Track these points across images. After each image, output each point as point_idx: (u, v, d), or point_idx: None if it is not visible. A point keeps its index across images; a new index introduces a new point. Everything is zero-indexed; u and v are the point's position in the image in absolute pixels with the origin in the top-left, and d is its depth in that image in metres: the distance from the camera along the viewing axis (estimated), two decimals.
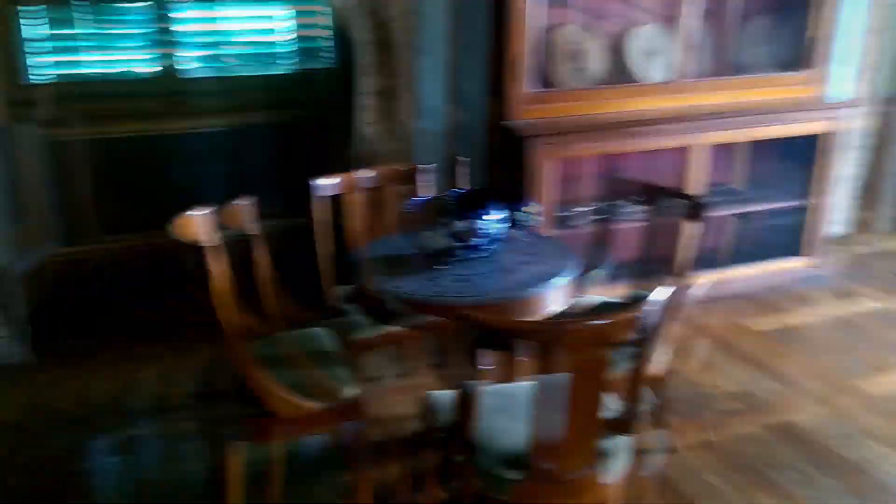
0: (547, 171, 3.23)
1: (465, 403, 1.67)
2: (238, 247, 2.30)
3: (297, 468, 2.58)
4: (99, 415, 2.91)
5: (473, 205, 2.03)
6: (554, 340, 1.50)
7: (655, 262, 2.50)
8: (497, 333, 1.52)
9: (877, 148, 4.67)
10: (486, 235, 2.06)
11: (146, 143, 3.89)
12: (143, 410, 2.95)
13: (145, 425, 2.86)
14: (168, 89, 3.77)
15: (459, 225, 2.02)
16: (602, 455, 1.75)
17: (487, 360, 2.27)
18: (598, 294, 2.81)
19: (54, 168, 3.64)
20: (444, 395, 1.98)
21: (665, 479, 2.47)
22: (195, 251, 1.88)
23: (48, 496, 2.45)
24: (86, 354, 3.34)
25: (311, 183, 2.70)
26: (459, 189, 2.25)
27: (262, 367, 2.03)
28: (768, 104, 3.69)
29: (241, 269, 2.31)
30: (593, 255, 2.67)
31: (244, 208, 2.37)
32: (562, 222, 3.47)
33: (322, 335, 2.49)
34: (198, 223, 2.22)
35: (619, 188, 2.67)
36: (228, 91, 3.86)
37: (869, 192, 4.76)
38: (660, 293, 1.62)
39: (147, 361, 3.27)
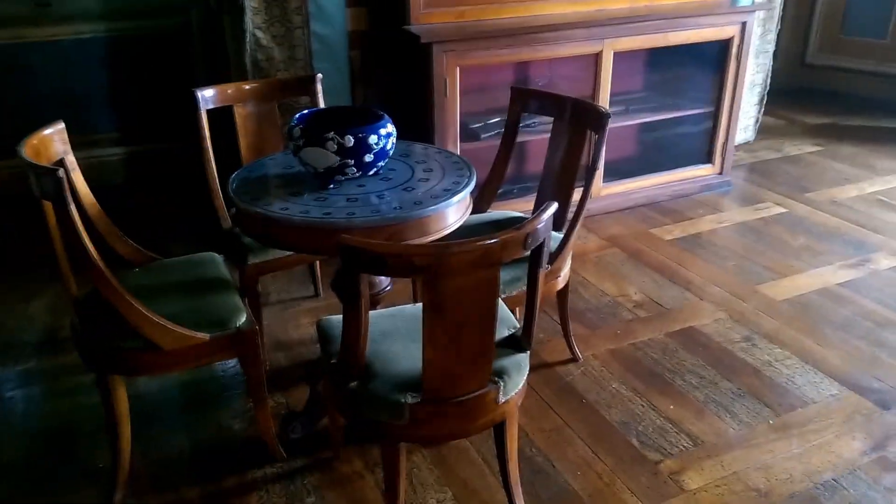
0: (450, 80, 3.07)
1: (350, 330, 1.58)
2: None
3: (201, 395, 2.49)
4: None
5: (330, 125, 1.87)
6: (440, 264, 1.41)
7: (560, 174, 2.43)
8: (380, 259, 1.41)
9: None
10: (379, 151, 1.93)
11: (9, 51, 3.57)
12: (36, 343, 2.79)
13: (38, 358, 2.71)
14: None
15: (349, 140, 1.87)
16: (498, 373, 1.71)
17: (381, 283, 2.20)
18: (498, 210, 2.75)
19: None
20: (337, 320, 1.89)
21: (569, 388, 2.48)
22: (50, 175, 1.68)
23: None
24: None
25: (196, 93, 2.48)
26: (311, 109, 2.09)
27: (144, 298, 1.88)
28: (677, 8, 3.60)
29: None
30: (496, 169, 2.58)
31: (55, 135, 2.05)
32: (466, 135, 3.35)
33: (216, 260, 2.35)
34: (55, 143, 2.01)
35: (525, 99, 2.55)
36: None
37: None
38: (553, 208, 1.54)
39: (35, 292, 3.09)
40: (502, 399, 1.71)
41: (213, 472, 2.15)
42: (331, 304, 2.90)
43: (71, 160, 2.07)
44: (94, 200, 2.16)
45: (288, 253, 2.40)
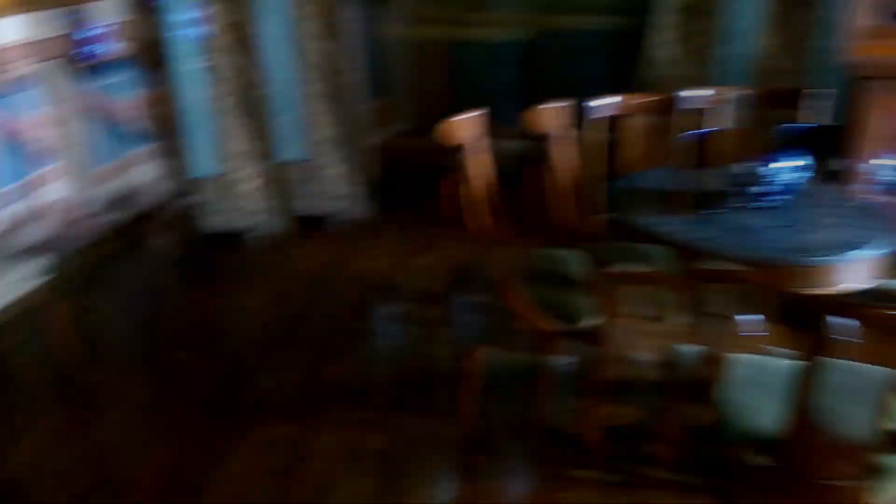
0: (875, 119, 2.68)
1: (715, 365, 1.46)
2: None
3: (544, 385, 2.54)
4: (384, 288, 3.20)
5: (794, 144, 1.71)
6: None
7: None
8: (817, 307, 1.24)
9: None
10: (776, 183, 1.75)
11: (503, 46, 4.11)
12: (414, 293, 3.15)
13: (413, 305, 3.06)
14: None
15: (739, 168, 1.73)
16: (876, 470, 1.44)
17: (757, 327, 2.00)
18: None
19: (416, 60, 4.13)
20: (693, 351, 1.77)
21: None
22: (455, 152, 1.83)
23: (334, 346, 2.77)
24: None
25: (584, 103, 2.53)
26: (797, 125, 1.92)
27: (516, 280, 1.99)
28: None
29: None
30: None
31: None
32: (889, 185, 2.90)
33: (570, 258, 2.38)
34: (468, 125, 2.19)
35: None
36: None
37: None
38: None
39: (421, 251, 3.45)
40: (874, 501, 1.45)
41: (532, 452, 2.19)
42: (671, 330, 2.74)
43: (480, 145, 2.23)
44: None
45: (648, 269, 2.32)
